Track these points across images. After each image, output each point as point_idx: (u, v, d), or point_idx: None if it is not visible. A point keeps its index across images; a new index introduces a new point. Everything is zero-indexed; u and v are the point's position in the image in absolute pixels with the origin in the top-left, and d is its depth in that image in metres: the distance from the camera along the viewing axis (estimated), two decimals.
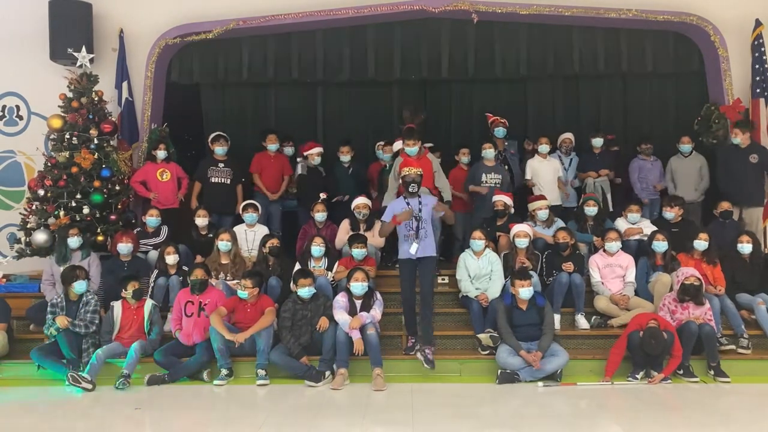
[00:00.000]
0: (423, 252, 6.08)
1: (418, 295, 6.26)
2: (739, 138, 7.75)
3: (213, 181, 8.00)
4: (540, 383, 5.80)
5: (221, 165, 8.03)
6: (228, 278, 6.91)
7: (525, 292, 6.12)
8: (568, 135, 8.38)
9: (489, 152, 7.85)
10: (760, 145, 7.99)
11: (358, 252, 6.79)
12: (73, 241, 7.04)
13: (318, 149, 8.09)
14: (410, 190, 6.08)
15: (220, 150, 8.04)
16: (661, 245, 6.87)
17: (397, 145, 7.26)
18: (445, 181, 7.19)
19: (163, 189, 7.94)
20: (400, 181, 6.30)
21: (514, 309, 6.16)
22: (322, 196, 7.68)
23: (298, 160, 8.26)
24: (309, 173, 8.07)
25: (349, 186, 8.02)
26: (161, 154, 8.02)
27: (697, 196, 8.06)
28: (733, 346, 6.30)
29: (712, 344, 6.02)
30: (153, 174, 7.97)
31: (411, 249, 6.06)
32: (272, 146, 8.24)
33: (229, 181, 8.02)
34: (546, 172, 8.00)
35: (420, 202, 6.11)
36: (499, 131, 8.28)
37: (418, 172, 6.17)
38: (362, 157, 8.54)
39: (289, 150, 8.38)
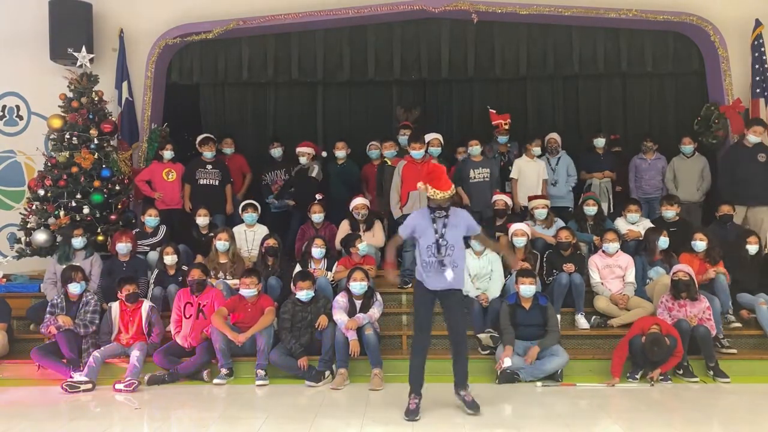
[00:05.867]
0: (449, 283, 5.03)
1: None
2: (758, 135, 7.65)
3: (201, 182, 7.96)
4: (539, 383, 5.80)
5: (209, 167, 8.01)
6: (228, 278, 6.90)
7: (526, 289, 6.11)
8: (554, 135, 8.31)
9: (475, 149, 7.82)
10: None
11: (361, 247, 6.80)
12: (78, 242, 7.05)
13: (308, 149, 8.02)
14: (437, 215, 5.04)
15: (208, 154, 8.00)
16: (664, 241, 6.86)
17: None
18: None
19: (169, 189, 7.93)
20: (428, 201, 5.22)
21: (518, 308, 6.15)
22: (318, 197, 7.67)
23: (313, 165, 8.09)
24: (299, 173, 8.05)
25: (336, 184, 8.03)
26: (168, 154, 8.02)
27: (699, 196, 8.05)
28: (734, 350, 6.28)
29: (708, 345, 6.00)
30: (159, 174, 7.96)
31: (447, 275, 4.95)
32: (227, 149, 8.37)
33: (217, 183, 7.99)
34: (531, 172, 7.98)
35: (445, 224, 5.02)
36: (502, 139, 8.30)
37: (446, 196, 5.04)
38: (361, 157, 8.55)
39: (276, 151, 8.37)
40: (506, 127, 8.27)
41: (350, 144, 8.33)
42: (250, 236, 7.46)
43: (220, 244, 7.03)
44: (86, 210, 7.46)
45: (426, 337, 5.17)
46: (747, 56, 8.37)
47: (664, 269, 6.77)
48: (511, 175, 8.04)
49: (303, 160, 8.00)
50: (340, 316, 6.10)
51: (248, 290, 6.24)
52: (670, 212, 7.37)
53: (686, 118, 8.86)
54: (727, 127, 8.28)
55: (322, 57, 8.90)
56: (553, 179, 8.13)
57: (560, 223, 7.43)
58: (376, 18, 8.69)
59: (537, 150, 8.03)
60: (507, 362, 5.82)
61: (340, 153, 8.17)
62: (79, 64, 7.89)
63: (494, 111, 8.39)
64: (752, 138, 7.70)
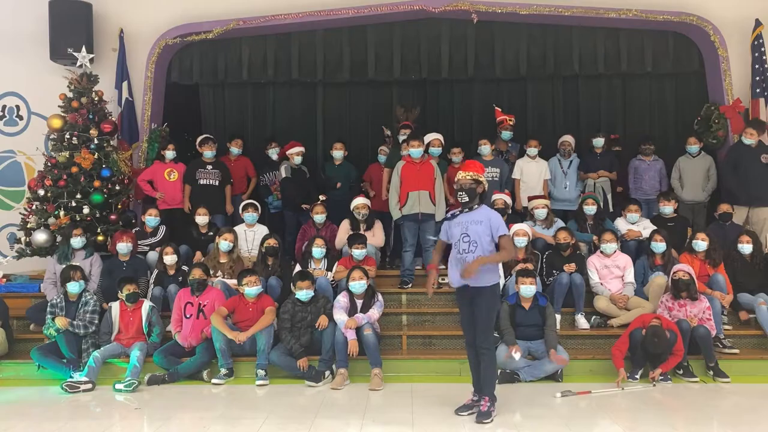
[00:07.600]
0: (474, 280, 4.86)
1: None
2: (753, 138, 7.67)
3: (201, 183, 7.95)
4: (558, 394, 5.56)
5: (209, 167, 8.01)
6: (226, 277, 6.90)
7: (526, 289, 6.11)
8: (568, 137, 8.27)
9: (485, 148, 7.85)
10: None
11: (358, 253, 6.79)
12: (77, 241, 7.05)
13: (298, 149, 8.05)
14: (459, 199, 4.97)
15: (208, 154, 8.01)
16: (659, 246, 6.88)
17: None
18: (442, 194, 7.15)
19: (171, 188, 7.93)
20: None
21: (518, 308, 6.15)
22: (322, 198, 7.67)
23: (283, 163, 8.14)
24: (293, 174, 8.05)
25: (333, 185, 8.02)
26: (170, 154, 8.02)
27: (704, 196, 8.04)
28: (737, 350, 6.28)
29: (708, 345, 6.00)
30: (161, 173, 7.97)
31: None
32: (235, 149, 8.31)
33: (217, 183, 7.99)
34: (532, 173, 8.00)
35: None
36: (506, 134, 8.30)
37: (470, 178, 4.93)
38: (362, 156, 8.54)
39: (273, 151, 8.36)
40: (511, 123, 8.28)
41: (350, 144, 8.32)
42: (250, 236, 7.46)
43: (224, 243, 7.01)
44: (86, 210, 7.47)
45: (466, 336, 5.07)
46: (747, 56, 8.37)
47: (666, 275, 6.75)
48: (513, 175, 8.05)
49: (297, 159, 8.01)
50: (340, 316, 6.10)
51: (254, 288, 6.24)
52: (667, 208, 7.43)
53: (686, 118, 8.87)
54: (727, 127, 8.28)
55: (322, 57, 8.90)
56: (564, 183, 8.11)
57: (560, 223, 7.44)
58: (376, 18, 8.68)
59: (533, 150, 8.02)
60: (517, 355, 5.82)
61: (338, 153, 8.16)
62: (79, 64, 7.89)
63: (500, 109, 8.42)
64: (746, 140, 7.71)
